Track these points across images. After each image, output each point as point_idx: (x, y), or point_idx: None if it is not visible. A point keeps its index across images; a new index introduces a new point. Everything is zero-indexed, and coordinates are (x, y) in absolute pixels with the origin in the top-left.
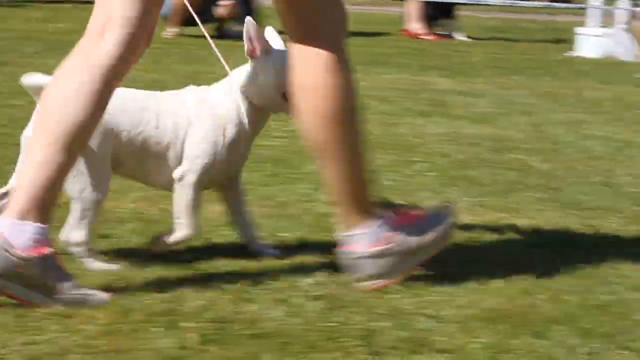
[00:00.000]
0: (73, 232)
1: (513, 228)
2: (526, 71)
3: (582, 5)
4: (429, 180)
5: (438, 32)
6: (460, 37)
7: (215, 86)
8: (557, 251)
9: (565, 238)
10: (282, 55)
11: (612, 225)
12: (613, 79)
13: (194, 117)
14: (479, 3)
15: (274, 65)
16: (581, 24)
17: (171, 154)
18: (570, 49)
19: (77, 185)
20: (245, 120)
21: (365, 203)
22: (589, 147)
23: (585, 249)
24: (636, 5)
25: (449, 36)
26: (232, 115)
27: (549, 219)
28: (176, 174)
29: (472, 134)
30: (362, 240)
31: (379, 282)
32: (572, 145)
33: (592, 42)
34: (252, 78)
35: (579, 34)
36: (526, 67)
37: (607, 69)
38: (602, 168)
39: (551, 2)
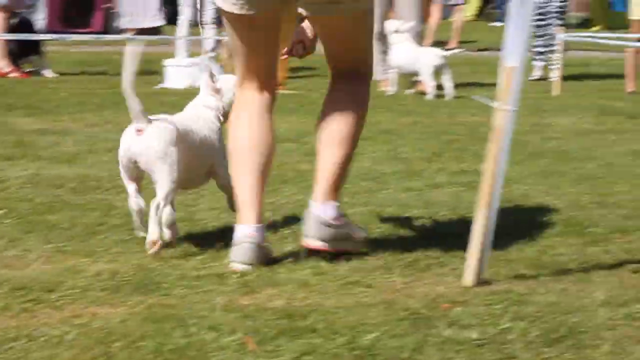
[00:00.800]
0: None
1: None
2: (117, 106)
3: (169, 37)
4: (7, 228)
5: (26, 70)
6: (48, 73)
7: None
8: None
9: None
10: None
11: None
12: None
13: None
14: (66, 39)
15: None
16: (172, 55)
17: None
18: (161, 81)
19: None
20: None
21: (341, 187)
22: None
23: (167, 292)
24: (222, 34)
25: (37, 73)
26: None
27: (130, 260)
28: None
29: (56, 175)
30: (331, 211)
31: (323, 246)
32: None
33: (179, 72)
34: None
35: (167, 66)
36: (116, 101)
37: (193, 98)
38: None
39: (139, 34)
